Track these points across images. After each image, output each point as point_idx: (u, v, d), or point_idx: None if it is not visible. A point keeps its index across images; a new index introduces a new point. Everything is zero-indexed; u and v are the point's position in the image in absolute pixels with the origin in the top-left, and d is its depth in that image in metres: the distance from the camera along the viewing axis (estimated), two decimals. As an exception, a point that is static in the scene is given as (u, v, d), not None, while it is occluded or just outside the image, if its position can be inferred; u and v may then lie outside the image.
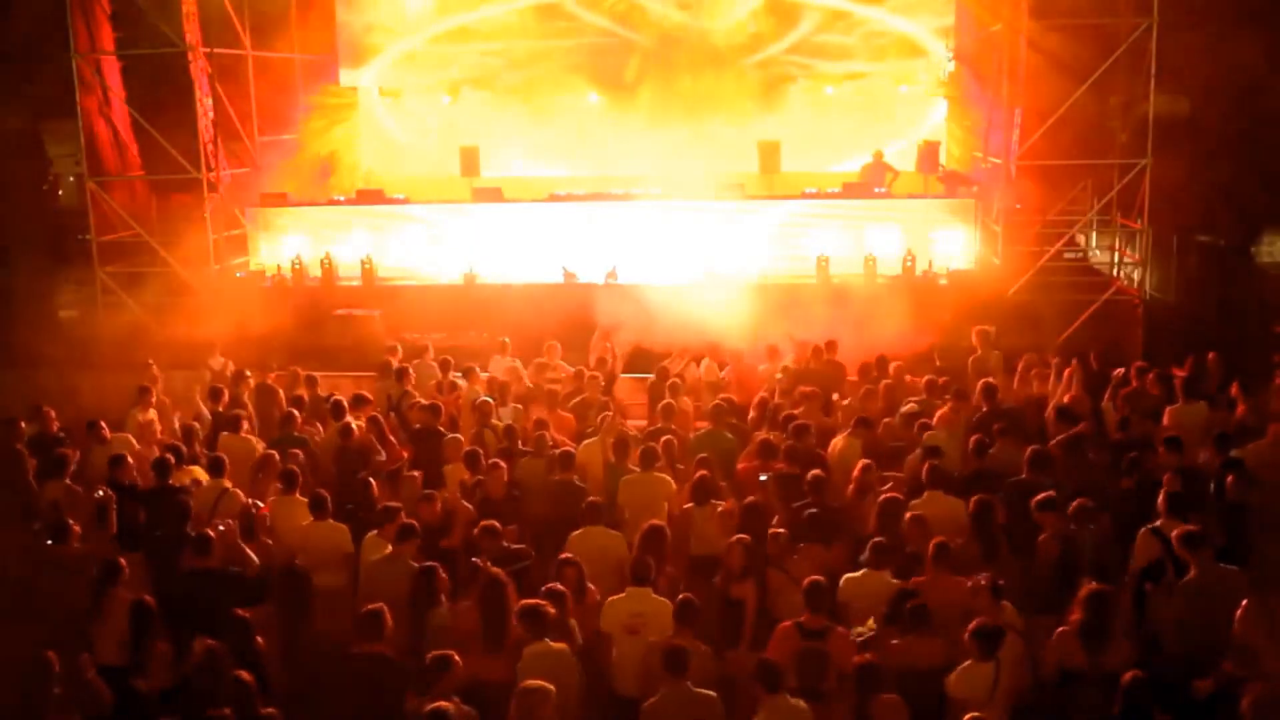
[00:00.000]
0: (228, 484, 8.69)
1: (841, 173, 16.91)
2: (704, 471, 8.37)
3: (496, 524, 7.58)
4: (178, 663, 6.47)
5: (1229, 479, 7.90)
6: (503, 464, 8.53)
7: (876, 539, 7.19)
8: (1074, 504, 7.52)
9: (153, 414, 10.58)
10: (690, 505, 8.20)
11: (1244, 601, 6.23)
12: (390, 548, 7.50)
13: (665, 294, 13.61)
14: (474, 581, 6.98)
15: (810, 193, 16.29)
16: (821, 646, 6.31)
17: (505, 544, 7.50)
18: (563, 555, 7.24)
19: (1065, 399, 10.09)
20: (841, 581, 7.00)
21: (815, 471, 8.28)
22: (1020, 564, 7.53)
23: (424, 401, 10.62)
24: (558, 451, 8.93)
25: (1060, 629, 6.22)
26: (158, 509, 8.37)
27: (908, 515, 7.60)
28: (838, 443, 9.31)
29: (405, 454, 9.83)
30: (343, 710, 6.32)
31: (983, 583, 6.62)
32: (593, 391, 10.90)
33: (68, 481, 8.86)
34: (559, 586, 6.76)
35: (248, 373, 11.69)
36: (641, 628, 6.66)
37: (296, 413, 10.19)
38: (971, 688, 6.03)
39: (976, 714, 5.57)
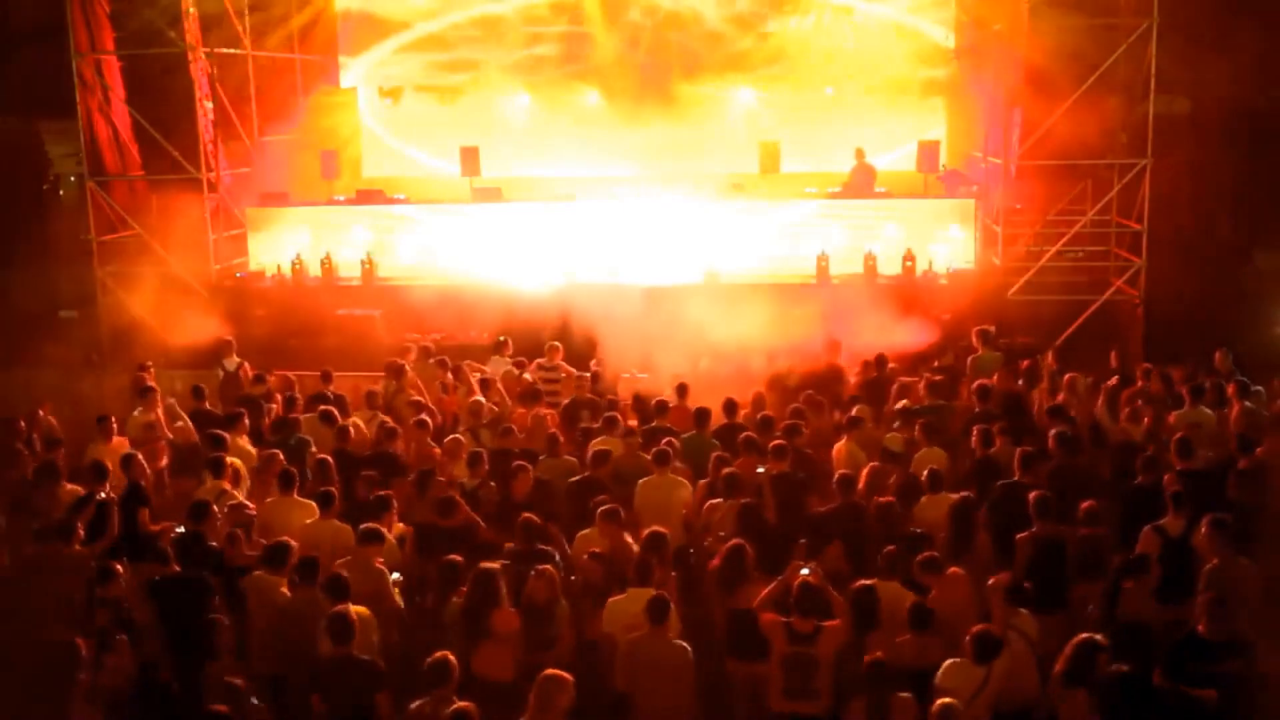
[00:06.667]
0: (226, 485, 8.69)
1: (842, 173, 16.89)
2: (732, 470, 8.37)
3: (533, 517, 7.62)
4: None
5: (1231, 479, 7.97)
6: (528, 465, 8.52)
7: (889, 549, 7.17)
8: (1084, 506, 7.58)
9: (155, 415, 10.59)
10: (719, 501, 8.19)
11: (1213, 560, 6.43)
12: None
13: (664, 294, 13.60)
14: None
15: (810, 192, 16.30)
16: (810, 651, 6.37)
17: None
18: (592, 550, 7.31)
19: (1055, 400, 10.15)
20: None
21: (843, 472, 8.30)
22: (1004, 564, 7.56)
23: (421, 400, 10.65)
24: (591, 451, 8.95)
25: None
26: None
27: None
28: (840, 447, 9.29)
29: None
30: (315, 713, 6.35)
31: (993, 582, 6.63)
32: (582, 391, 10.98)
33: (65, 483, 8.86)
34: (548, 569, 6.90)
35: (266, 375, 11.72)
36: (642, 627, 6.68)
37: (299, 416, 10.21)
38: (957, 685, 6.03)
39: (949, 700, 5.57)
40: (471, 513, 8.07)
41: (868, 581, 6.90)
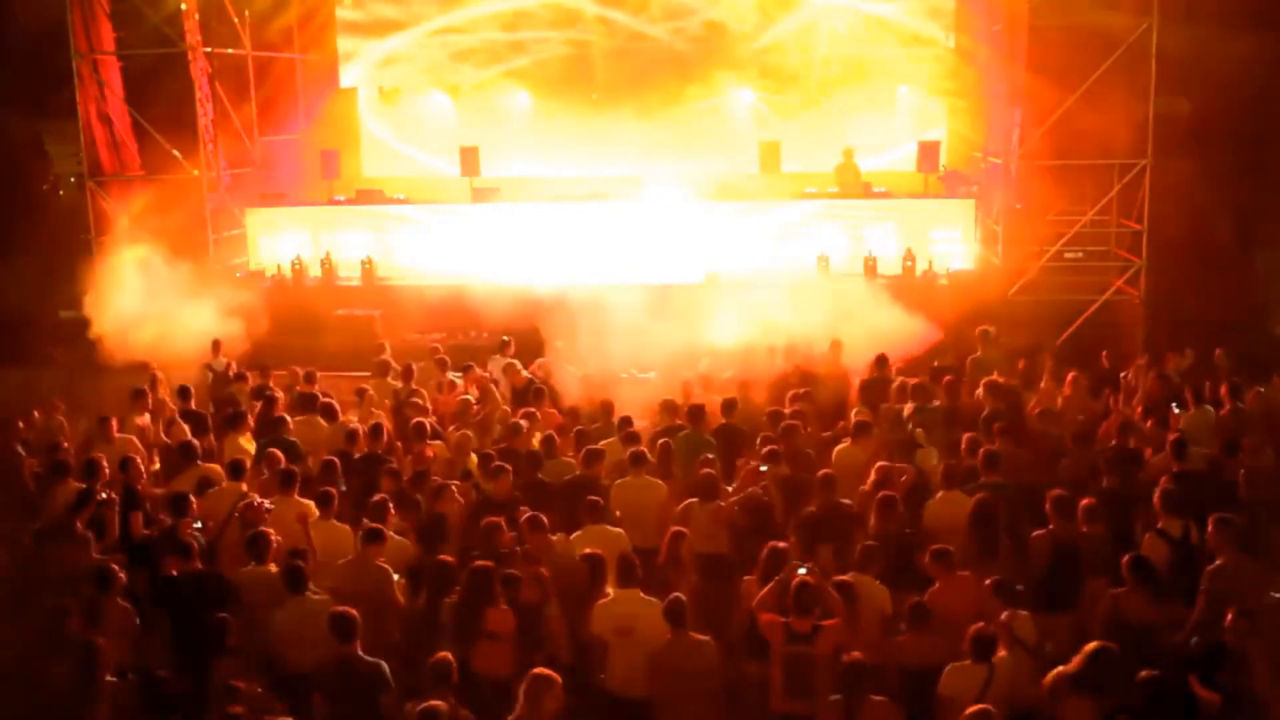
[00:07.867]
0: (244, 487, 8.67)
1: (842, 173, 16.91)
2: (709, 470, 8.36)
3: (500, 521, 7.59)
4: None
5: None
6: (509, 467, 8.50)
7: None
8: (1083, 503, 7.56)
9: (147, 418, 10.57)
10: (694, 501, 8.19)
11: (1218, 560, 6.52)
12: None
13: (664, 294, 13.59)
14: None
15: (810, 192, 16.29)
16: (808, 650, 6.37)
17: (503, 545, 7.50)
18: (586, 550, 7.29)
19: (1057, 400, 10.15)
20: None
21: (825, 471, 8.29)
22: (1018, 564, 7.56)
23: (425, 403, 10.67)
24: (585, 449, 8.93)
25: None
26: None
27: None
28: (842, 449, 9.28)
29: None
30: (318, 711, 6.34)
31: (988, 583, 6.62)
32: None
33: (70, 482, 8.83)
34: (540, 569, 6.95)
35: (247, 373, 11.68)
36: (632, 629, 6.69)
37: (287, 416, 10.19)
38: (960, 688, 6.01)
39: (983, 706, 5.52)
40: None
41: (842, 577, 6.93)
